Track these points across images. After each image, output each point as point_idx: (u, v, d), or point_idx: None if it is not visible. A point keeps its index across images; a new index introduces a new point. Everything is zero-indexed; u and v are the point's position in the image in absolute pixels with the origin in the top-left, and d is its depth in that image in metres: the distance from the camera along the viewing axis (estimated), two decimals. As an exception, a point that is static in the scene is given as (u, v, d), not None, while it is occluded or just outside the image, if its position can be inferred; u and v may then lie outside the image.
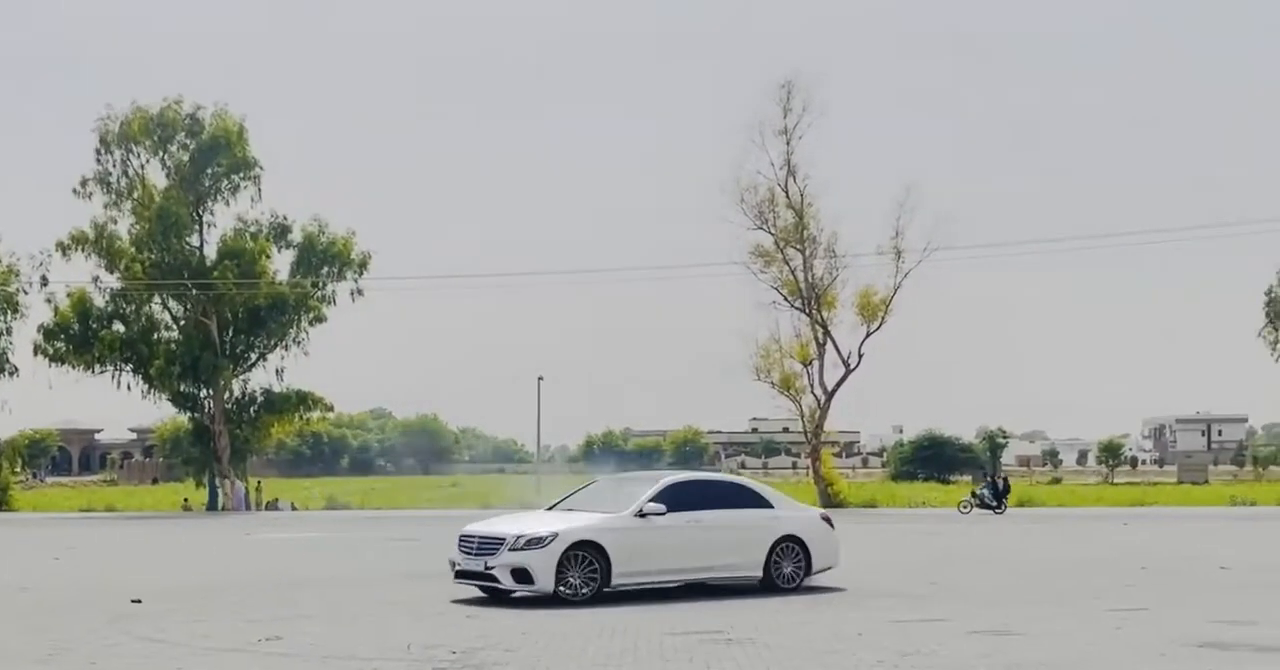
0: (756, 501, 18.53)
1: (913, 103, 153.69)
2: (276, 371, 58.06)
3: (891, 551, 26.67)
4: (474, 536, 17.23)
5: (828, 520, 19.03)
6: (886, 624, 14.17)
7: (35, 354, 56.19)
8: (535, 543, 16.63)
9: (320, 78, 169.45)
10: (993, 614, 15.01)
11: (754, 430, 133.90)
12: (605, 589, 16.81)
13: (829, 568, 18.68)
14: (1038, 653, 12.18)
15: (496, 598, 16.99)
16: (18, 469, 66.72)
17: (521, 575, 16.55)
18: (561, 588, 16.54)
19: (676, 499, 17.63)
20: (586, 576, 16.67)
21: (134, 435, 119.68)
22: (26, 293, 58.30)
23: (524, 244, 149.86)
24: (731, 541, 17.79)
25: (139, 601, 16.91)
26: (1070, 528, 35.63)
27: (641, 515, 17.24)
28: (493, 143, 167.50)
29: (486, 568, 16.77)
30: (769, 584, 17.91)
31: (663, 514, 17.29)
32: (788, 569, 18.08)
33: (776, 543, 18.05)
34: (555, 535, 16.69)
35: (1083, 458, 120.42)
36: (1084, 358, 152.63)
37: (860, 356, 54.85)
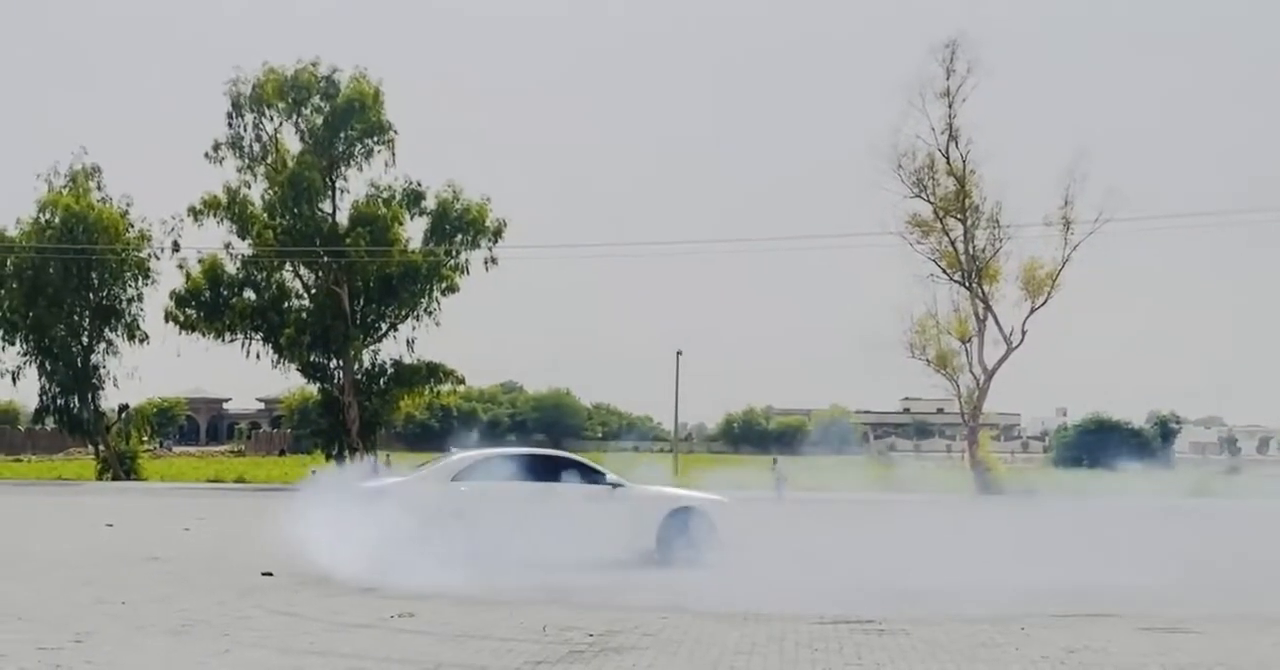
0: None
1: (1085, 63, 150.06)
2: (407, 342, 58.99)
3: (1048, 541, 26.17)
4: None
5: None
6: (1051, 618, 13.95)
7: (166, 321, 57.84)
8: None
9: (456, 39, 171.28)
10: (1166, 610, 14.67)
11: (906, 410, 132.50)
12: None
13: None
14: (1215, 653, 11.90)
15: (643, 577, 17.50)
16: (146, 437, 68.98)
17: None
18: None
19: None
20: None
21: (261, 405, 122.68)
22: (158, 258, 60.28)
23: (663, 212, 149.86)
24: None
25: (270, 575, 17.40)
26: (1249, 520, 34.61)
27: None
28: (630, 106, 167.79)
29: None
30: None
31: None
32: None
33: None
34: None
35: (1264, 445, 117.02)
36: (1268, 337, 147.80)
37: (1024, 334, 54.02)
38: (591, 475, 19.81)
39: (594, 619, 13.53)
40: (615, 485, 19.64)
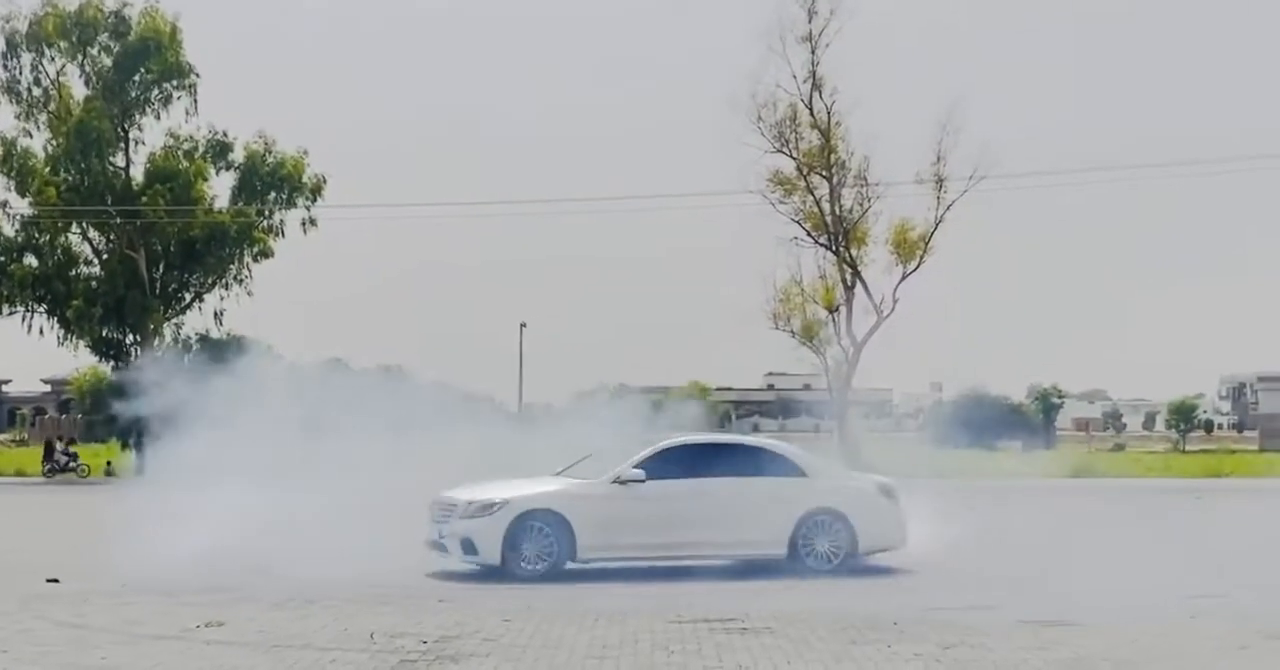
0: (783, 468, 18.87)
1: (959, 6, 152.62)
2: (215, 314, 57.92)
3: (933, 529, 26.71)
4: (440, 502, 18.36)
5: (887, 491, 19.33)
6: (925, 611, 14.24)
7: (-68, 291, 56.08)
8: (485, 510, 17.66)
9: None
10: (1047, 601, 15.05)
11: (770, 387, 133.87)
12: (569, 564, 17.71)
13: (886, 548, 18.97)
14: (1099, 645, 12.25)
15: (481, 577, 17.59)
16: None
17: (468, 546, 17.65)
18: (516, 562, 17.51)
19: (674, 464, 18.35)
20: (543, 549, 17.56)
21: (48, 387, 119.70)
22: (-77, 220, 58.25)
23: (503, 169, 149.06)
24: (744, 513, 18.16)
25: (56, 581, 16.97)
26: (1135, 501, 35.73)
27: (620, 482, 18.12)
28: (466, 50, 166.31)
29: (439, 536, 18.01)
30: (799, 564, 18.12)
31: (642, 481, 18.07)
32: (823, 547, 18.33)
33: (806, 516, 18.32)
34: (506, 502, 17.67)
35: (1150, 421, 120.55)
36: (1153, 305, 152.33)
37: (895, 301, 54.80)
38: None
39: (429, 623, 13.45)
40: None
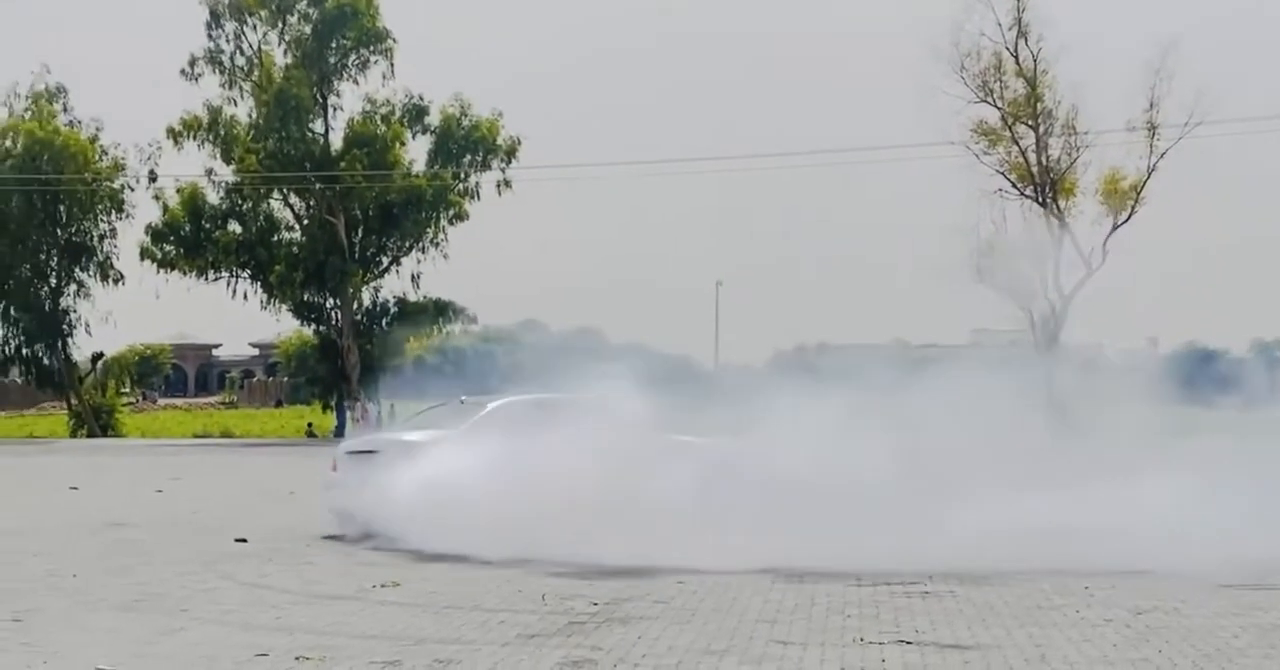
0: None
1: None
2: (412, 277, 59.05)
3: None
4: None
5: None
6: (1119, 576, 13.77)
7: (142, 259, 58.00)
8: None
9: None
10: (1244, 565, 14.44)
11: (976, 344, 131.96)
12: None
13: None
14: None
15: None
16: (125, 389, 69.29)
17: None
18: None
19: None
20: None
21: (255, 351, 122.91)
22: (133, 189, 60.34)
23: (698, 126, 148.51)
24: None
25: (244, 541, 17.40)
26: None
27: None
28: (659, 8, 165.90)
29: None
30: None
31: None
32: None
33: None
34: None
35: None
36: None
37: (1105, 254, 53.53)
38: None
39: (601, 585, 13.43)
40: None
